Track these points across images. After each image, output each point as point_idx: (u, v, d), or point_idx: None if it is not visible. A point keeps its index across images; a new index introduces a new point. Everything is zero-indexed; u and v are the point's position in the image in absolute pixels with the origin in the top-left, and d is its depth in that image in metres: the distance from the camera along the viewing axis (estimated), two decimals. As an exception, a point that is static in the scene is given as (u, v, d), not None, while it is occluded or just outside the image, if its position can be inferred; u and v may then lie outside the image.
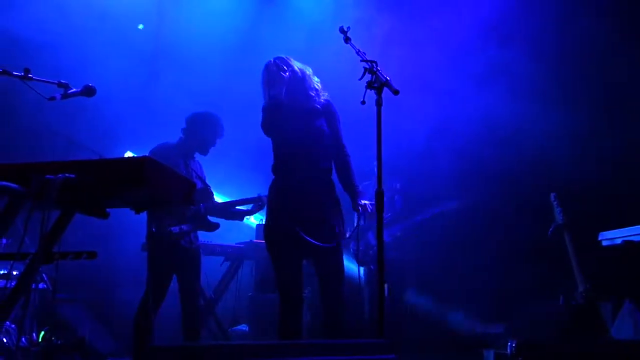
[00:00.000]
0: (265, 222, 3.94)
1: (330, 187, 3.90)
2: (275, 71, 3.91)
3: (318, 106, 3.93)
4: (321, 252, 3.72)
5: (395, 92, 2.94)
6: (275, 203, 3.86)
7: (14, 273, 4.68)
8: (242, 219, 5.42)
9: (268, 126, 3.85)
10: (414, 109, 5.76)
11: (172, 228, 4.66)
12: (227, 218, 5.28)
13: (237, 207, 5.30)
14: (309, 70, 4.02)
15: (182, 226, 4.72)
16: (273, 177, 3.93)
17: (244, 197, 5.40)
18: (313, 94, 3.94)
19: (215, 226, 4.97)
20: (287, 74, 3.88)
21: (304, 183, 3.77)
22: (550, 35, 6.04)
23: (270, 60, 4.01)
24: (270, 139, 3.94)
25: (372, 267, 5.74)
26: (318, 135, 3.85)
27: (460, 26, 6.26)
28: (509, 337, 5.21)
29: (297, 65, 3.98)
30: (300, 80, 3.92)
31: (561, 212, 5.22)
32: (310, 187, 3.77)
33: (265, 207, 4.36)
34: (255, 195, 5.29)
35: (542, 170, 5.86)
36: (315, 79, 4.01)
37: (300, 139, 3.82)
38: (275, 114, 3.81)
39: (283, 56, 4.02)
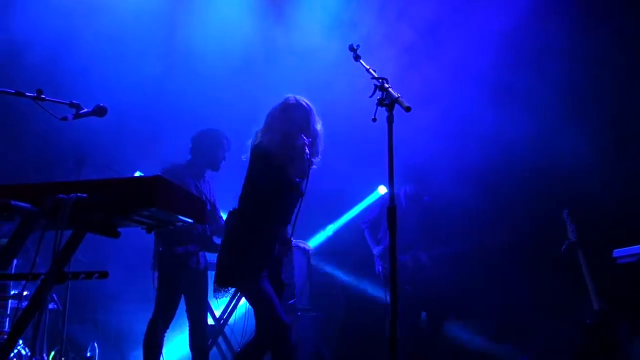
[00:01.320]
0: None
1: None
2: (303, 125, 3.69)
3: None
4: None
5: (407, 109, 2.92)
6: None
7: (25, 293, 4.66)
8: None
9: (274, 196, 3.65)
10: (426, 123, 5.74)
11: (177, 248, 4.65)
12: None
13: None
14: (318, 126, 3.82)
15: (188, 247, 4.71)
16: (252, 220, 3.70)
17: None
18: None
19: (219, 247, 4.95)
20: (307, 150, 3.61)
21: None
22: (562, 52, 6.02)
23: (309, 106, 3.77)
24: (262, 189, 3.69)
25: (407, 287, 5.70)
26: None
27: (474, 40, 6.24)
28: (519, 356, 5.18)
29: (318, 126, 3.80)
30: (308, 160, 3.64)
31: (574, 230, 5.18)
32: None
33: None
34: None
35: (556, 187, 5.82)
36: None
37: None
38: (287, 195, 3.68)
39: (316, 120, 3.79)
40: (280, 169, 3.62)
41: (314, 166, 3.74)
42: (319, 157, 3.79)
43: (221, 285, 3.68)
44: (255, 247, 3.61)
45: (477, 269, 5.89)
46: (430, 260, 5.74)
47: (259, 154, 3.66)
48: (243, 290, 3.71)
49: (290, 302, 5.29)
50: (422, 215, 5.88)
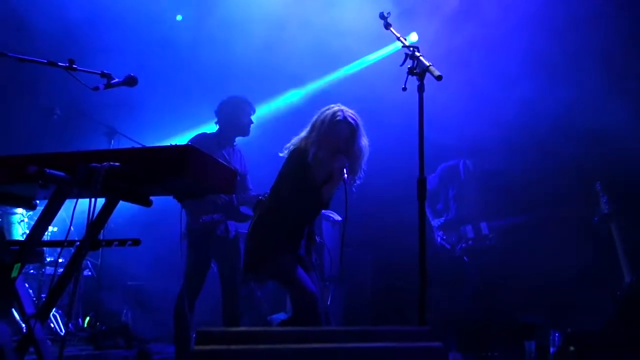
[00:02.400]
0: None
1: None
2: (348, 142, 3.67)
3: None
4: None
5: (438, 78, 2.88)
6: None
7: (60, 260, 4.78)
8: None
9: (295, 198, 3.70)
10: (461, 91, 5.68)
11: (203, 217, 4.70)
12: None
13: None
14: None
15: (214, 215, 4.75)
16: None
17: None
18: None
19: (247, 217, 4.97)
20: (345, 173, 3.64)
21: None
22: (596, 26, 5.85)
23: (356, 122, 3.70)
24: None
25: (465, 258, 5.73)
26: None
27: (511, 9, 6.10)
28: (550, 328, 5.16)
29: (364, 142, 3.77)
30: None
31: (607, 202, 5.10)
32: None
33: None
34: None
35: (590, 157, 5.72)
36: None
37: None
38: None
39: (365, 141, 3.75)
40: (314, 183, 3.67)
41: (357, 182, 3.77)
42: (361, 173, 3.78)
43: (249, 270, 3.75)
44: (279, 234, 3.67)
45: (521, 242, 5.84)
46: (491, 231, 5.73)
47: (298, 161, 3.68)
48: (270, 272, 3.76)
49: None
50: (483, 186, 5.87)
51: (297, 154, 3.68)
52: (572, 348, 1.96)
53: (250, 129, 5.04)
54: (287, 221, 3.70)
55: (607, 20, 5.80)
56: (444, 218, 5.92)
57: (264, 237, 3.68)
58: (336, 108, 3.70)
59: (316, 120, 3.72)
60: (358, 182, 3.78)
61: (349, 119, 3.66)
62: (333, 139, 3.64)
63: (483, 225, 5.73)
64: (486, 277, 5.71)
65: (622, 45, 5.76)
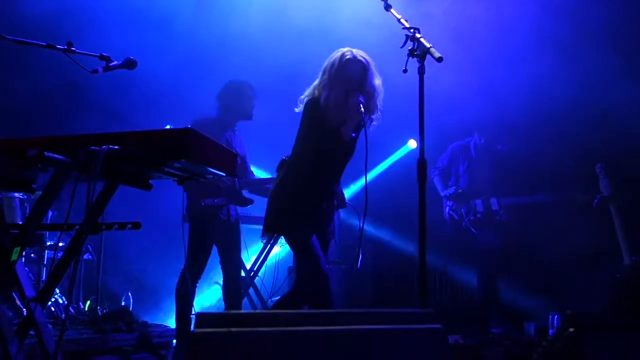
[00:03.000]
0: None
1: None
2: (360, 82, 3.56)
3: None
4: None
5: (439, 59, 2.86)
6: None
7: (60, 244, 4.78)
8: None
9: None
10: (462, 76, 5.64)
11: (204, 201, 4.70)
12: (265, 196, 5.31)
13: None
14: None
15: (215, 199, 4.75)
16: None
17: None
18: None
19: (249, 202, 4.98)
20: (362, 109, 3.48)
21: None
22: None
23: (366, 61, 3.60)
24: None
25: (473, 230, 5.77)
26: None
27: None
28: (550, 310, 5.19)
29: (377, 82, 3.66)
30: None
31: (607, 184, 5.10)
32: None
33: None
34: None
35: (590, 139, 5.71)
36: None
37: None
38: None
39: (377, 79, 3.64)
40: (332, 128, 3.58)
41: (374, 122, 3.69)
42: (379, 113, 3.69)
43: (267, 230, 3.77)
44: (303, 196, 3.63)
45: (524, 222, 5.86)
46: (501, 208, 5.74)
47: (312, 110, 3.61)
48: (287, 237, 3.75)
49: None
50: (495, 164, 5.87)
51: (310, 103, 3.62)
52: (570, 329, 1.97)
53: (253, 113, 5.03)
54: (308, 178, 3.64)
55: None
56: (453, 189, 5.91)
57: (285, 199, 3.65)
58: (345, 49, 3.64)
59: (326, 65, 3.65)
60: (375, 123, 3.70)
61: (359, 57, 3.59)
62: (344, 78, 3.54)
63: (493, 201, 5.76)
64: (491, 257, 5.74)
65: (630, 24, 5.70)
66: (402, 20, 3.23)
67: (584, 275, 5.49)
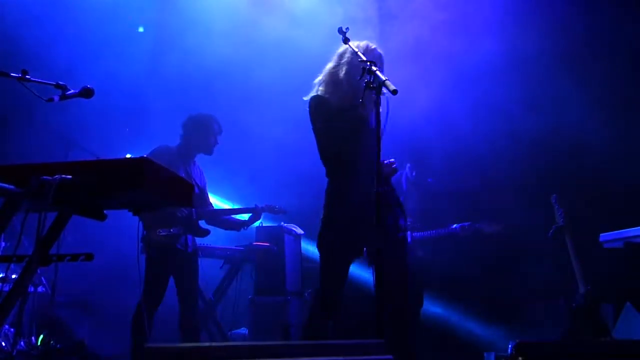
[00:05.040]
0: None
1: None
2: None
3: None
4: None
5: (394, 92, 2.92)
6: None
7: (13, 277, 4.66)
8: (239, 229, 5.39)
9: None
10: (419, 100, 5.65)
11: (160, 231, 4.65)
12: (225, 228, 5.30)
13: (234, 217, 5.32)
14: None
15: (172, 229, 4.71)
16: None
17: (240, 207, 5.44)
18: None
19: (205, 232, 4.97)
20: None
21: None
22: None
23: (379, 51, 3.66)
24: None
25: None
26: None
27: (476, 14, 6.11)
28: (509, 339, 5.23)
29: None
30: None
31: (562, 214, 5.21)
32: None
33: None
34: (252, 206, 5.29)
35: (544, 171, 5.83)
36: None
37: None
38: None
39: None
40: (352, 107, 3.52)
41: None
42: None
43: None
44: (340, 197, 3.61)
45: (470, 252, 5.86)
46: (414, 242, 5.69)
47: (317, 105, 3.66)
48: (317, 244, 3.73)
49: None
50: (422, 197, 5.83)
51: (314, 99, 3.67)
52: (520, 359, 1.99)
53: (214, 149, 5.03)
54: (340, 173, 3.64)
55: (565, 22, 5.91)
56: None
57: (324, 209, 3.67)
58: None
59: (339, 53, 3.71)
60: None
61: (376, 46, 3.68)
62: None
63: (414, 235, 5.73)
64: (444, 284, 5.73)
65: (582, 47, 5.85)
66: (359, 53, 3.31)
67: (544, 304, 5.57)
